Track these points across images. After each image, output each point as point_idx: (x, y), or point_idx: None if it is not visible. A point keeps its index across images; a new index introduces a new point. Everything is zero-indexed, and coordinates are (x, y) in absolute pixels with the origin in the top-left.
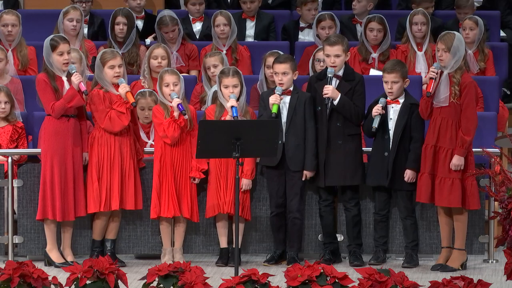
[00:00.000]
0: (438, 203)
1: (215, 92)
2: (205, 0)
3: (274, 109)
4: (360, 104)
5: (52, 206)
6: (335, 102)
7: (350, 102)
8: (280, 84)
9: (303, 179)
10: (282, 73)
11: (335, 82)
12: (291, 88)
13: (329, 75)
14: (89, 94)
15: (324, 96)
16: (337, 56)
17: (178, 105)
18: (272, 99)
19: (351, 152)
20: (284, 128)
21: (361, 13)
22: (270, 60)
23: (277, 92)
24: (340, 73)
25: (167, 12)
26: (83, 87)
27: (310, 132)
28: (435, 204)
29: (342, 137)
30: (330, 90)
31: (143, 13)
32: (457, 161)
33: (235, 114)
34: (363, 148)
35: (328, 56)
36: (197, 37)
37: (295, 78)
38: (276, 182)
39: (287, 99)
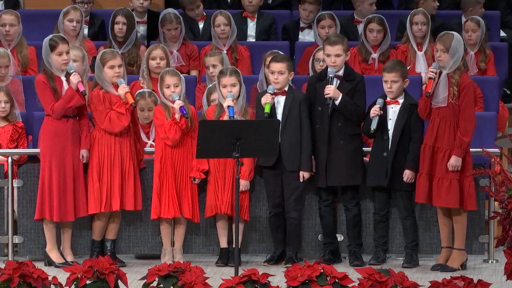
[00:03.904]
0: (436, 204)
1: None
2: (204, 0)
3: (266, 109)
4: (361, 104)
5: (49, 206)
6: (337, 102)
7: (352, 102)
8: (275, 82)
9: (301, 180)
10: (278, 72)
11: (336, 82)
12: (286, 88)
13: (330, 75)
14: (89, 95)
15: (325, 96)
16: (338, 55)
17: (180, 107)
18: (264, 98)
19: (353, 152)
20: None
21: (367, 15)
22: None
23: (269, 91)
24: (341, 73)
25: (171, 10)
26: (81, 87)
27: (306, 132)
28: (433, 204)
29: (343, 137)
30: (331, 90)
31: (145, 18)
32: (454, 161)
33: (231, 114)
34: (363, 148)
35: (328, 55)
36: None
37: (290, 78)
38: (273, 182)
39: (282, 99)
